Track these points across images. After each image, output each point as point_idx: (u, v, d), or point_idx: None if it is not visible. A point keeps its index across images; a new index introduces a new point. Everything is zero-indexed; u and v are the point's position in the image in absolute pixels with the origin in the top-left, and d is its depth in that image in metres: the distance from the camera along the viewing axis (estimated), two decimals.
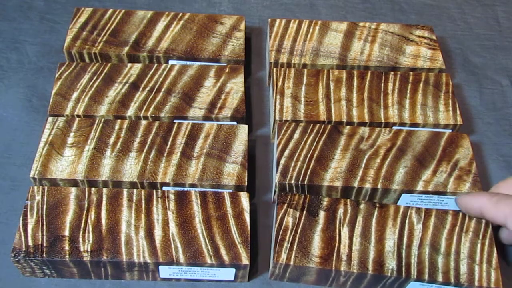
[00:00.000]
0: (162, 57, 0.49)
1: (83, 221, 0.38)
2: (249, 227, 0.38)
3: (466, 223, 0.39)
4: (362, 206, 0.39)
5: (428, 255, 0.37)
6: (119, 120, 0.44)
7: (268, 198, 0.44)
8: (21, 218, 0.38)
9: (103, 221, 0.38)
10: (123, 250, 0.37)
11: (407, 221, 0.39)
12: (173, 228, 0.38)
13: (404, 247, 0.38)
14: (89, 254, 0.36)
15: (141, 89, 0.46)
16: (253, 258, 0.40)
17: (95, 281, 0.39)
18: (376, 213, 0.39)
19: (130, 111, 0.45)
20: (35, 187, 0.39)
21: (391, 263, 0.37)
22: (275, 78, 0.48)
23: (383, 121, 0.45)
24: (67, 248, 0.37)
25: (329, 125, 0.44)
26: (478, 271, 0.37)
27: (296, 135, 0.43)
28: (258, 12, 0.60)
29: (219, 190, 0.41)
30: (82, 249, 0.37)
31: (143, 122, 0.44)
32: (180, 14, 0.52)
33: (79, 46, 0.49)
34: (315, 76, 0.48)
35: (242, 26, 0.52)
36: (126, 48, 0.49)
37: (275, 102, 0.46)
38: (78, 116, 0.44)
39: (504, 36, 0.59)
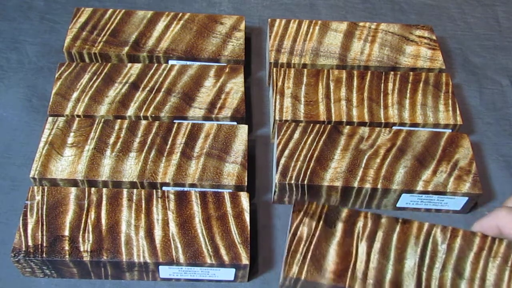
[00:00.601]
0: (162, 57, 0.49)
1: (83, 221, 0.38)
2: (249, 227, 0.38)
3: (495, 248, 0.35)
4: (383, 220, 0.37)
5: (451, 280, 0.34)
6: (119, 120, 0.44)
7: (268, 198, 0.44)
8: (21, 218, 0.38)
9: (103, 221, 0.38)
10: (123, 250, 0.37)
11: (430, 240, 0.36)
12: (173, 228, 0.38)
13: (425, 268, 0.35)
14: (89, 254, 0.36)
15: (141, 89, 0.46)
16: (253, 258, 0.40)
17: (95, 281, 0.39)
18: (398, 229, 0.36)
19: (130, 111, 0.45)
20: (35, 187, 0.39)
21: (409, 286, 0.34)
22: (275, 78, 0.48)
23: (383, 121, 0.45)
24: (67, 248, 0.37)
25: (329, 125, 0.44)
26: None
27: (296, 135, 0.43)
28: (258, 12, 0.60)
29: (219, 190, 0.41)
30: (82, 249, 0.37)
31: (143, 122, 0.44)
32: (180, 14, 0.52)
33: (79, 46, 0.49)
34: (315, 76, 0.48)
35: (242, 26, 0.52)
36: (126, 48, 0.49)
37: (275, 102, 0.46)
38: (78, 116, 0.44)
39: (504, 36, 0.59)
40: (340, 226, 0.36)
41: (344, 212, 0.37)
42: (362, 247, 0.35)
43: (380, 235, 0.36)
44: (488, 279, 0.34)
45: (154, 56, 0.49)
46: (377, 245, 0.36)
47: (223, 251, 0.37)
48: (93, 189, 0.40)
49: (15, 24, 0.56)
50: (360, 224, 0.36)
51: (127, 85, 0.46)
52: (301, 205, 0.37)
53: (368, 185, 0.41)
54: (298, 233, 0.36)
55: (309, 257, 0.35)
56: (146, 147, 0.42)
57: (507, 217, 0.34)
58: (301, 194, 0.42)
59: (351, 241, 0.36)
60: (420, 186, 0.41)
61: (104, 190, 0.40)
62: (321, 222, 0.36)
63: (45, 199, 0.39)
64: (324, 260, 0.35)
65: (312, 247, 0.35)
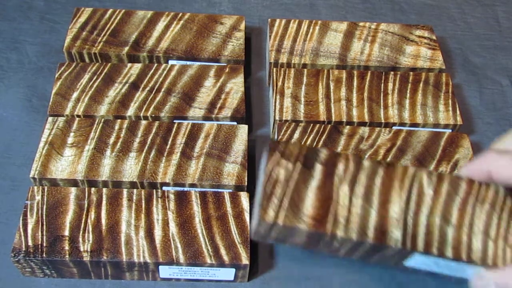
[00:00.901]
0: (162, 57, 0.49)
1: (83, 221, 0.38)
2: (249, 227, 0.38)
3: (483, 192, 0.34)
4: (366, 163, 0.34)
5: (438, 226, 0.32)
6: (119, 120, 0.44)
7: None
8: (21, 218, 0.38)
9: (103, 221, 0.38)
10: (123, 250, 0.37)
11: (416, 184, 0.33)
12: (173, 228, 0.38)
13: (411, 214, 0.32)
14: (89, 254, 0.36)
15: (141, 89, 0.46)
16: (253, 258, 0.40)
17: (95, 281, 0.39)
18: (381, 172, 0.34)
19: (130, 111, 0.45)
20: (35, 187, 0.39)
21: (395, 232, 0.32)
22: (275, 78, 0.48)
23: (383, 121, 0.45)
24: (67, 248, 0.37)
25: (329, 125, 0.44)
26: (492, 247, 0.32)
27: (296, 135, 0.43)
28: (258, 12, 0.60)
29: (219, 190, 0.41)
30: (82, 249, 0.37)
31: (143, 122, 0.44)
32: (180, 14, 0.52)
33: (79, 46, 0.49)
34: (315, 76, 0.48)
35: (242, 26, 0.52)
36: (126, 48, 0.49)
37: (275, 102, 0.46)
38: (78, 116, 0.44)
39: (504, 36, 0.59)
40: (319, 168, 0.33)
41: (324, 154, 0.34)
42: (344, 191, 0.33)
43: (362, 178, 0.33)
44: (476, 225, 0.33)
45: (154, 56, 0.49)
46: (359, 189, 0.33)
47: (223, 251, 0.37)
48: (93, 189, 0.40)
49: (15, 24, 0.56)
50: (341, 166, 0.33)
51: (127, 85, 0.46)
52: (277, 144, 0.34)
53: None
54: (274, 175, 0.32)
55: (286, 200, 0.32)
56: (146, 147, 0.42)
57: (498, 161, 0.32)
58: None
59: (332, 185, 0.33)
60: None
61: (104, 190, 0.40)
62: (299, 164, 0.33)
63: (45, 199, 0.39)
64: (302, 204, 0.32)
65: (289, 190, 0.32)
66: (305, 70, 0.48)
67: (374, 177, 0.33)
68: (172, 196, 0.39)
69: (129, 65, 0.48)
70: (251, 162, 0.46)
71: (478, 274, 0.32)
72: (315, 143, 0.43)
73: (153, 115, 0.45)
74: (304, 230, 0.31)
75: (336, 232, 0.31)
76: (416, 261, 0.33)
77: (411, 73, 0.49)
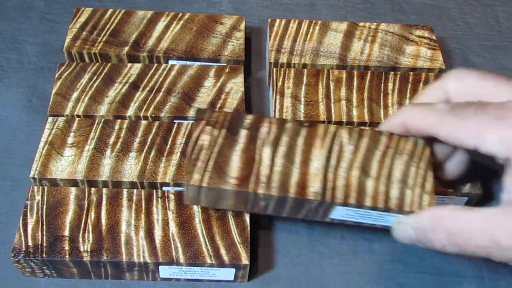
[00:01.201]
0: (162, 57, 0.49)
1: (83, 221, 0.38)
2: (249, 227, 0.38)
3: (402, 145, 0.35)
4: (288, 124, 0.36)
5: (357, 178, 0.34)
6: (119, 120, 0.44)
7: None
8: (21, 218, 0.38)
9: (103, 221, 0.38)
10: (123, 250, 0.37)
11: (337, 141, 0.35)
12: (173, 228, 0.38)
13: (331, 169, 0.34)
14: (89, 254, 0.36)
15: (141, 89, 0.46)
16: (253, 258, 0.40)
17: (95, 281, 0.39)
18: (303, 132, 0.35)
19: (130, 111, 0.45)
20: (35, 187, 0.39)
21: (315, 186, 0.33)
22: (275, 78, 0.48)
23: (383, 121, 0.45)
24: (67, 248, 0.37)
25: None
26: (409, 195, 0.34)
27: None
28: (258, 12, 0.60)
29: None
30: (82, 249, 0.37)
31: (143, 122, 0.44)
32: (180, 14, 0.52)
33: (79, 46, 0.49)
34: (315, 76, 0.48)
35: (242, 26, 0.52)
36: (126, 48, 0.49)
37: (275, 102, 0.46)
38: (78, 116, 0.44)
39: (504, 36, 0.59)
40: (243, 133, 0.35)
41: (248, 119, 0.36)
42: (266, 152, 0.34)
43: (284, 139, 0.35)
44: (394, 176, 0.34)
45: (154, 56, 0.49)
46: (281, 149, 0.35)
47: (223, 251, 0.37)
48: (93, 189, 0.40)
49: (15, 24, 0.56)
50: (264, 129, 0.35)
51: (127, 85, 0.46)
52: (203, 112, 0.36)
53: None
54: (199, 141, 0.34)
55: (211, 164, 0.34)
56: (146, 147, 0.42)
57: (411, 113, 0.34)
58: None
59: (255, 147, 0.35)
60: None
61: (104, 190, 0.40)
62: (224, 130, 0.35)
63: (45, 199, 0.39)
64: (227, 167, 0.34)
65: (214, 154, 0.34)
66: (305, 70, 0.48)
67: (296, 137, 0.35)
68: (172, 196, 0.39)
69: (129, 65, 0.48)
70: None
71: (398, 221, 0.34)
72: None
73: (153, 115, 0.45)
74: (230, 191, 0.33)
75: (258, 190, 0.33)
76: (339, 213, 0.34)
77: (411, 73, 0.49)
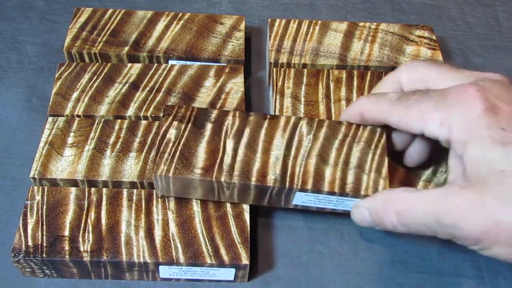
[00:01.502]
0: (162, 57, 0.49)
1: (83, 221, 0.38)
2: (249, 227, 0.38)
3: (360, 133, 0.38)
4: (252, 117, 0.38)
5: (315, 165, 0.36)
6: (119, 120, 0.44)
7: None
8: (21, 218, 0.38)
9: (103, 221, 0.38)
10: (123, 250, 0.37)
11: (297, 132, 0.38)
12: (173, 228, 0.38)
13: (291, 158, 0.37)
14: (89, 254, 0.36)
15: (141, 89, 0.46)
16: (253, 258, 0.40)
17: (95, 281, 0.39)
18: (265, 124, 0.38)
19: (130, 111, 0.45)
20: (35, 187, 0.39)
21: (274, 173, 0.36)
22: (275, 78, 0.48)
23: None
24: (67, 248, 0.37)
25: None
26: (365, 180, 0.36)
27: None
28: (258, 12, 0.60)
29: None
30: (82, 249, 0.37)
31: (143, 122, 0.44)
32: (180, 14, 0.52)
33: (79, 46, 0.49)
34: (315, 76, 0.48)
35: (242, 26, 0.52)
36: (126, 48, 0.49)
37: (275, 102, 0.46)
38: (78, 116, 0.44)
39: (504, 36, 0.59)
40: (209, 126, 0.38)
41: (214, 113, 0.38)
42: (230, 143, 0.37)
43: (247, 131, 0.38)
44: (352, 162, 0.37)
45: (154, 56, 0.49)
46: (244, 140, 0.37)
47: (223, 251, 0.37)
48: (93, 189, 0.40)
49: (15, 24, 0.56)
50: (228, 122, 0.38)
51: (127, 85, 0.46)
52: (171, 109, 0.39)
53: None
54: (167, 135, 0.37)
55: (177, 156, 0.36)
56: (146, 147, 0.42)
57: (366, 102, 0.37)
58: None
59: (219, 139, 0.37)
60: (420, 187, 0.41)
61: (104, 190, 0.40)
62: (190, 124, 0.38)
63: (45, 199, 0.39)
64: (192, 158, 0.36)
65: (180, 147, 0.37)
66: (305, 70, 0.48)
67: (258, 129, 0.38)
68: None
69: (129, 65, 0.48)
70: None
71: (355, 204, 0.36)
72: None
73: (153, 115, 0.45)
74: (196, 180, 0.36)
75: (221, 179, 0.35)
76: (301, 199, 0.37)
77: None
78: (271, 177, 0.36)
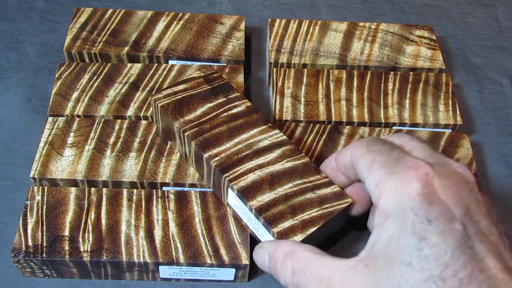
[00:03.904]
0: (162, 57, 0.49)
1: (83, 221, 0.38)
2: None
3: (324, 189, 0.36)
4: (255, 115, 0.40)
5: (260, 179, 0.36)
6: (119, 120, 0.44)
7: None
8: (21, 218, 0.38)
9: (103, 221, 0.38)
10: (123, 250, 0.37)
11: (277, 150, 0.38)
12: (173, 228, 0.38)
13: (249, 159, 0.37)
14: (89, 254, 0.36)
15: (141, 89, 0.46)
16: (253, 258, 0.40)
17: (95, 281, 0.39)
18: (260, 127, 0.39)
19: (130, 111, 0.45)
20: (35, 187, 0.39)
21: (224, 160, 0.37)
22: (275, 78, 0.48)
23: (383, 121, 0.45)
24: (67, 248, 0.37)
25: (329, 125, 0.44)
26: (287, 222, 0.34)
27: (296, 135, 0.43)
28: (258, 12, 0.60)
29: None
30: (82, 249, 0.37)
31: (143, 122, 0.44)
32: (180, 14, 0.52)
33: (79, 46, 0.49)
34: (315, 76, 0.48)
35: (242, 26, 0.52)
36: (126, 48, 0.49)
37: (275, 102, 0.46)
38: (78, 116, 0.44)
39: (504, 36, 0.59)
40: (220, 99, 0.41)
41: (233, 93, 0.41)
42: (220, 118, 0.39)
43: (242, 120, 0.39)
44: (290, 202, 0.35)
45: (154, 56, 0.49)
46: (232, 124, 0.39)
47: (223, 251, 0.37)
48: (93, 189, 0.40)
49: (15, 24, 0.56)
50: (234, 105, 0.40)
51: (127, 85, 0.46)
52: (210, 69, 0.42)
53: None
54: (186, 83, 0.41)
55: (176, 99, 0.40)
56: (146, 147, 0.42)
57: (341, 150, 0.35)
58: None
59: (215, 111, 0.40)
60: None
61: (104, 190, 0.40)
62: (209, 87, 0.41)
63: (45, 199, 0.39)
64: (184, 109, 0.39)
65: (185, 95, 0.40)
66: (305, 70, 0.48)
67: (251, 126, 0.39)
68: (172, 196, 0.39)
69: (129, 65, 0.48)
70: None
71: (259, 244, 0.34)
72: (315, 143, 0.43)
73: (153, 115, 0.45)
74: (172, 123, 0.39)
75: (186, 132, 0.38)
76: (231, 199, 0.37)
77: (411, 73, 0.49)
78: (218, 160, 0.37)
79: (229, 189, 0.36)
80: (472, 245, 0.27)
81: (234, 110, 0.40)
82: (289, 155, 0.37)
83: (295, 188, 0.36)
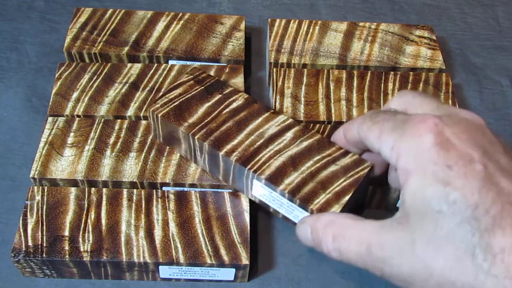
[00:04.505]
0: (162, 57, 0.49)
1: (83, 221, 0.38)
2: (249, 227, 0.38)
3: (343, 159, 0.37)
4: (256, 105, 0.40)
5: (282, 164, 0.36)
6: (119, 120, 0.44)
7: None
8: (21, 218, 0.38)
9: (103, 221, 0.38)
10: (123, 250, 0.37)
11: (287, 133, 0.38)
12: (173, 228, 0.38)
13: (266, 149, 0.37)
14: (89, 254, 0.36)
15: (141, 89, 0.46)
16: (253, 258, 0.40)
17: (95, 281, 0.39)
18: (264, 115, 0.39)
19: (130, 111, 0.45)
20: (35, 187, 0.39)
21: (242, 153, 0.37)
22: (275, 78, 0.48)
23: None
24: (67, 248, 0.37)
25: (329, 125, 0.44)
26: (320, 197, 0.35)
27: None
28: (258, 12, 0.60)
29: (219, 190, 0.41)
30: (82, 249, 0.37)
31: (143, 122, 0.44)
32: (180, 14, 0.52)
33: (79, 46, 0.49)
34: (315, 76, 0.48)
35: (242, 26, 0.52)
36: (126, 48, 0.49)
37: (275, 102, 0.46)
38: (78, 116, 0.44)
39: (504, 36, 0.59)
40: (216, 96, 0.41)
41: (227, 89, 0.41)
42: (224, 115, 0.39)
43: (245, 112, 0.40)
44: (317, 178, 0.36)
45: (154, 56, 0.49)
46: (237, 118, 0.39)
47: (223, 251, 0.37)
48: (93, 189, 0.40)
49: (15, 24, 0.56)
50: (233, 100, 0.40)
51: (127, 85, 0.46)
52: (196, 71, 0.42)
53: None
54: (179, 87, 0.41)
55: (175, 105, 0.40)
56: (146, 147, 0.42)
57: (348, 124, 0.36)
58: None
59: (217, 108, 0.40)
60: None
61: (104, 190, 0.40)
62: (202, 87, 0.41)
63: (45, 199, 0.39)
64: (186, 113, 0.39)
65: (182, 99, 0.40)
66: (305, 70, 0.48)
67: (255, 115, 0.40)
68: (172, 196, 0.39)
69: (129, 65, 0.48)
70: None
71: (301, 219, 0.35)
72: None
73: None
74: (178, 131, 0.39)
75: (196, 136, 0.38)
76: (257, 190, 0.37)
77: (411, 73, 0.49)
78: (237, 155, 0.37)
79: (255, 180, 0.37)
80: (497, 181, 0.27)
81: (234, 104, 0.40)
82: (301, 135, 0.38)
83: (317, 164, 0.37)
